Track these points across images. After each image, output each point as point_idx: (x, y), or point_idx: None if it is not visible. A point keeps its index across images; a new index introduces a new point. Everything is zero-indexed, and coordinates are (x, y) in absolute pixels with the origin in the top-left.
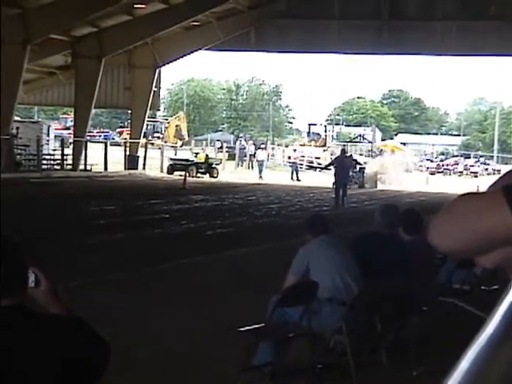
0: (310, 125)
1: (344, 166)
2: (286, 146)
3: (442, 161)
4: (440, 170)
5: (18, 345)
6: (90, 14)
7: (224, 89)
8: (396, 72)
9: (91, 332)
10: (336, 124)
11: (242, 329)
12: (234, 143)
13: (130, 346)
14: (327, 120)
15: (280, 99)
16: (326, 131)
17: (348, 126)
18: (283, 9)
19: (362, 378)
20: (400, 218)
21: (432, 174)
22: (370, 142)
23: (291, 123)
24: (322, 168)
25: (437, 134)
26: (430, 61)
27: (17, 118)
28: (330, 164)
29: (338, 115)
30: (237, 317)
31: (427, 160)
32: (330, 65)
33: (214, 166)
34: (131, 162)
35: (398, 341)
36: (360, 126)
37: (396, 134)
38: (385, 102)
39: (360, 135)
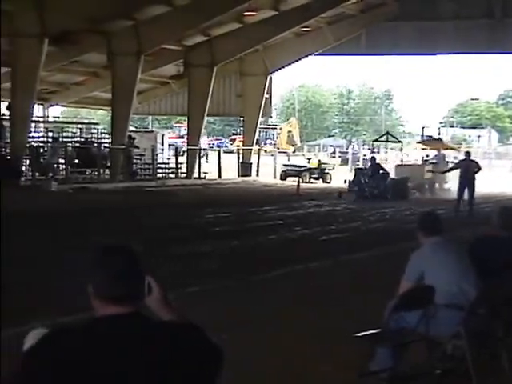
0: (423, 128)
1: (469, 169)
2: (400, 150)
3: None
4: None
5: (138, 351)
6: (202, 23)
7: (335, 94)
8: None
9: (205, 338)
10: (450, 126)
11: (358, 334)
12: (347, 148)
13: (245, 352)
14: (441, 122)
15: (392, 102)
16: (439, 134)
17: (462, 127)
18: (394, 11)
19: None
20: None
21: None
22: (399, 142)
23: (403, 126)
24: (445, 171)
25: None
26: None
27: (132, 128)
28: (453, 168)
29: (451, 117)
30: (353, 322)
31: None
32: (443, 66)
33: (326, 171)
34: (244, 168)
35: None
36: (475, 127)
37: None
38: (501, 102)
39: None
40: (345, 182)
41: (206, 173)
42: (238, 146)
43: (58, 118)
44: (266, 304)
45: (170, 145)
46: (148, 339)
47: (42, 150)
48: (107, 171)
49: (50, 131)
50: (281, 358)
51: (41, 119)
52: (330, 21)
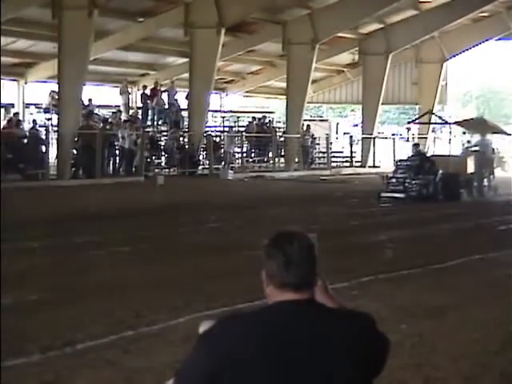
0: None
1: None
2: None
3: None
4: None
5: (315, 336)
6: (377, 11)
7: None
8: None
9: (376, 327)
10: None
11: None
12: None
13: (422, 342)
14: None
15: None
16: None
17: None
18: None
19: None
20: None
21: None
22: (446, 123)
23: None
24: None
25: None
26: None
27: (306, 117)
28: None
29: None
30: None
31: None
32: None
33: (504, 159)
34: None
35: None
36: None
37: None
38: None
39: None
40: (382, 178)
41: (380, 161)
42: (413, 134)
43: (235, 107)
44: (443, 293)
45: (344, 133)
46: (325, 325)
47: (218, 140)
48: (282, 160)
49: (227, 120)
50: (461, 347)
51: (217, 109)
52: (510, 5)
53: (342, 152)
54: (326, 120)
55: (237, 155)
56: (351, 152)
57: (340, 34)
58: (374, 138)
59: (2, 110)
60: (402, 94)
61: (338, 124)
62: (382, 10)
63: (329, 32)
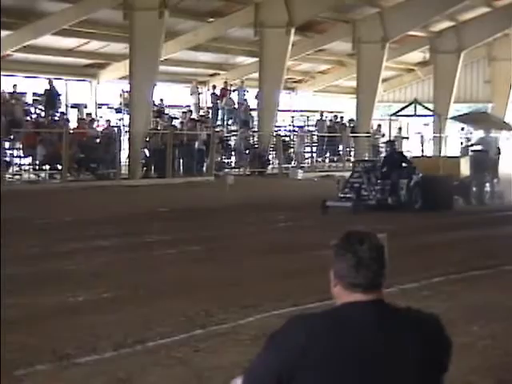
0: None
1: None
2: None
3: None
4: None
5: (386, 336)
6: (448, 9)
7: None
8: None
9: (443, 329)
10: None
11: None
12: None
13: (494, 342)
14: None
15: None
16: None
17: None
18: None
19: None
20: None
21: None
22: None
23: None
24: None
25: None
26: None
27: (377, 116)
28: None
29: None
30: None
31: None
32: None
33: None
34: None
35: None
36: None
37: None
38: None
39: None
40: (338, 182)
41: None
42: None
43: (304, 106)
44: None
45: (415, 132)
46: (395, 326)
47: (287, 139)
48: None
49: (297, 120)
50: None
51: (287, 108)
52: None
53: (411, 151)
54: (397, 119)
55: (307, 155)
56: (422, 151)
57: (411, 33)
58: (446, 138)
59: (76, 110)
60: (474, 93)
61: (408, 123)
62: (453, 7)
63: (399, 30)
